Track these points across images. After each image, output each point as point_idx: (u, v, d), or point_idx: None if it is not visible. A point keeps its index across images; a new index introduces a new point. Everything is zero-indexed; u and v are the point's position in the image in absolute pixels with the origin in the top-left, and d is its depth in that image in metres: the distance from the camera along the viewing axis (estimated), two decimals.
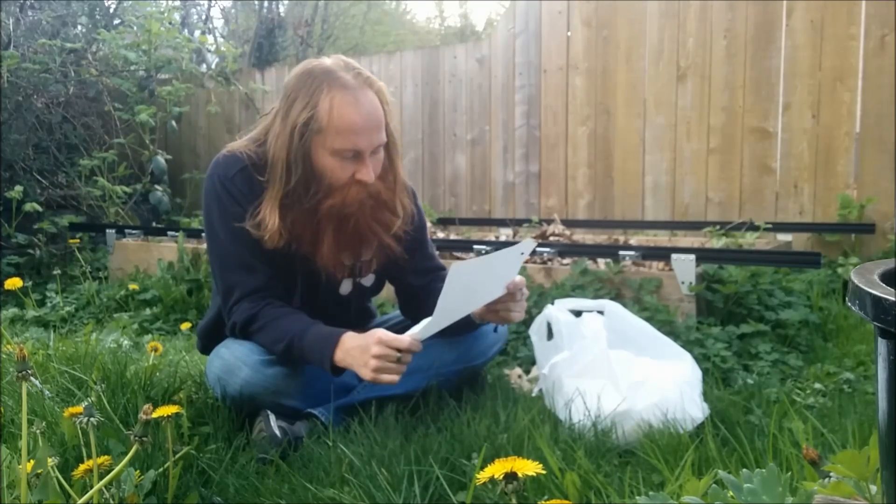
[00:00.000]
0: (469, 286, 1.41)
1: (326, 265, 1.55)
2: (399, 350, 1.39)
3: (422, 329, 1.41)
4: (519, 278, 1.54)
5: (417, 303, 1.70)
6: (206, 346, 1.71)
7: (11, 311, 3.05)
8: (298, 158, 1.46)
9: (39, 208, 4.04)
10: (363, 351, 1.40)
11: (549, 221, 3.62)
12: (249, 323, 1.53)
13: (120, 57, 4.65)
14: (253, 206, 1.52)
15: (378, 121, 1.49)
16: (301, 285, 1.60)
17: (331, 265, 1.56)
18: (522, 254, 1.52)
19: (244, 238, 1.53)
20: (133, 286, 3.14)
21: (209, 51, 6.08)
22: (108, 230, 3.79)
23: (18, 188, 3.98)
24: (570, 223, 3.70)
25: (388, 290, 1.83)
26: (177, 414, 1.19)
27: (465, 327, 1.61)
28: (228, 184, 1.53)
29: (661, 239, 3.45)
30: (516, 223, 3.87)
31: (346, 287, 1.67)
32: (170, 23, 4.89)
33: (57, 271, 3.31)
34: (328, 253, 1.53)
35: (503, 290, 1.52)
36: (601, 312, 1.85)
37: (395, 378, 1.40)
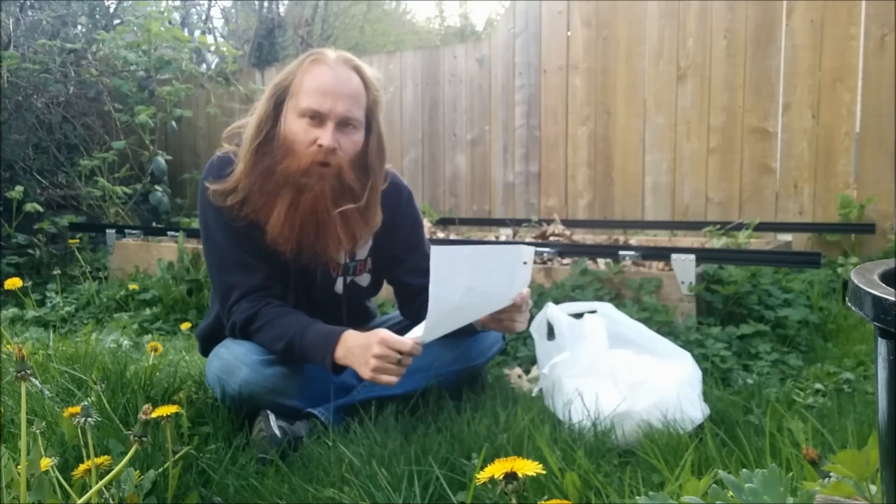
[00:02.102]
0: (462, 283, 1.36)
1: (274, 238, 1.51)
2: (400, 352, 1.39)
3: (424, 332, 1.40)
4: (526, 291, 1.53)
5: (416, 303, 1.69)
6: (206, 350, 1.71)
7: (11, 311, 3.05)
8: (270, 117, 1.52)
9: (39, 208, 4.04)
10: (364, 349, 1.40)
11: (549, 221, 3.63)
12: (249, 322, 1.53)
13: (120, 57, 4.65)
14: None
15: (350, 92, 1.50)
16: (294, 283, 1.60)
17: (279, 240, 1.51)
18: (525, 263, 1.50)
19: (240, 237, 1.53)
20: (133, 286, 3.14)
21: (209, 51, 6.07)
22: (108, 230, 3.79)
23: (18, 188, 3.98)
24: (570, 223, 3.71)
25: (388, 290, 1.83)
26: (177, 414, 1.19)
27: (464, 333, 1.61)
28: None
29: (661, 239, 3.45)
30: (516, 223, 3.87)
31: (340, 286, 1.67)
32: (170, 22, 4.89)
33: (57, 271, 3.31)
34: (275, 223, 1.49)
35: (510, 301, 1.51)
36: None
37: (393, 379, 1.40)
